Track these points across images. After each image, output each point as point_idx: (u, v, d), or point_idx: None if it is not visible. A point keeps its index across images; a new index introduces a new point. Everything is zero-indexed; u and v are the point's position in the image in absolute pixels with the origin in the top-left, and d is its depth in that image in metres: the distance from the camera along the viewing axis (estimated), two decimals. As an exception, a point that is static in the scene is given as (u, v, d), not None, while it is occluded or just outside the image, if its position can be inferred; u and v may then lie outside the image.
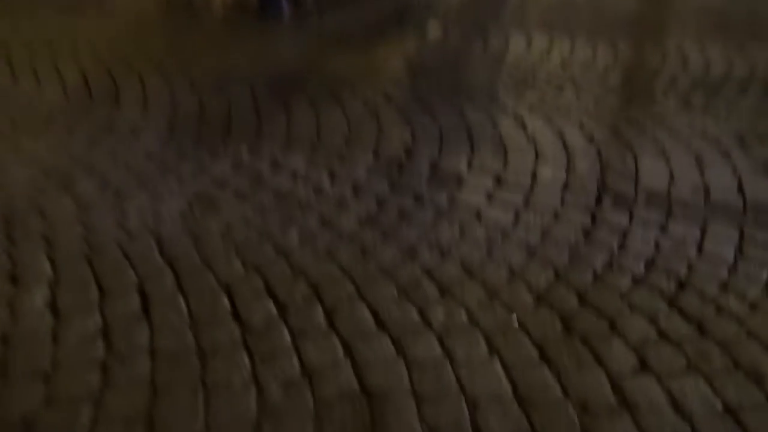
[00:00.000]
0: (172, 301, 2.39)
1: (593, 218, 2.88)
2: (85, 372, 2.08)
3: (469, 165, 3.32)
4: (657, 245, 2.69)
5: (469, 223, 2.84)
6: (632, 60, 4.82)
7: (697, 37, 5.07)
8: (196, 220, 2.86)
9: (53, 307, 2.36)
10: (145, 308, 2.36)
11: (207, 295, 2.43)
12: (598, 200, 3.01)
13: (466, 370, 2.07)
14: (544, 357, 2.12)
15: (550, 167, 3.29)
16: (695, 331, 2.23)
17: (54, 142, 3.57)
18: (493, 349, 2.16)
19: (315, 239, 2.74)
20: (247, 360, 2.12)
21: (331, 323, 2.28)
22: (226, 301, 2.39)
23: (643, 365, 2.08)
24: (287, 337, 2.21)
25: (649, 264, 2.57)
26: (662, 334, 2.21)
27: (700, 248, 2.67)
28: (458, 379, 2.03)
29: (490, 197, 3.04)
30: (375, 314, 2.32)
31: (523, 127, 3.71)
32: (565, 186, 3.13)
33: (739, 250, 2.65)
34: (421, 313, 2.32)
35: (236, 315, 2.32)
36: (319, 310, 2.34)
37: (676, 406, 1.93)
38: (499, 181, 3.17)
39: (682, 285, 2.45)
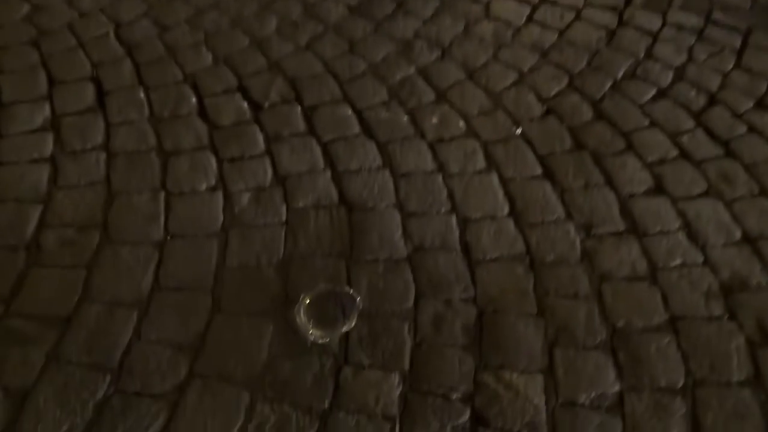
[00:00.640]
0: (131, 94, 2.10)
1: (620, 19, 2.49)
2: (33, 170, 1.85)
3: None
4: (690, 54, 2.33)
5: (475, 17, 2.45)
6: None
7: None
8: (161, 3, 2.46)
9: (-5, 96, 2.08)
10: (100, 101, 2.07)
11: (171, 88, 2.12)
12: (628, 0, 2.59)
13: (459, 183, 1.85)
14: (548, 173, 1.89)
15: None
16: (721, 151, 1.97)
17: None
18: (491, 161, 1.92)
19: (296, 30, 2.36)
20: (214, 163, 1.89)
21: (311, 126, 2.01)
22: (192, 96, 2.10)
23: (658, 187, 1.86)
24: (260, 140, 1.96)
25: (678, 75, 2.24)
26: (684, 154, 1.96)
27: (738, 59, 2.32)
28: (450, 193, 1.82)
29: (502, -11, 2.61)
30: (360, 118, 2.04)
31: None
32: (591, -20, 2.68)
33: (783, 62, 2.32)
34: (413, 118, 2.04)
35: (203, 113, 2.04)
36: (298, 110, 2.06)
37: (690, 232, 1.74)
38: (514, -30, 2.72)
39: (712, 99, 2.15)
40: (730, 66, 2.29)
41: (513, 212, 1.78)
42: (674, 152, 1.96)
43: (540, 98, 2.13)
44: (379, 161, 1.90)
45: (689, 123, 2.06)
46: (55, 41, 2.28)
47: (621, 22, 2.47)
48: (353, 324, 1.50)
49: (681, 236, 1.73)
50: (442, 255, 1.67)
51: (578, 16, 2.49)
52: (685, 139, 2.00)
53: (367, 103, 2.08)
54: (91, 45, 2.27)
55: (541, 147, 1.96)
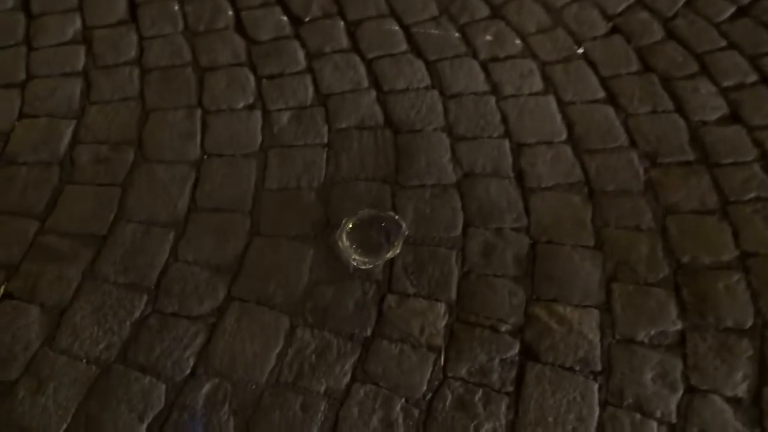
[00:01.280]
0: (164, 6, 1.98)
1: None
2: (65, 84, 1.78)
3: None
4: (773, -32, 2.10)
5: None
6: None
7: None
8: None
9: (26, 7, 1.99)
10: (132, 13, 1.97)
11: (206, 1, 2.00)
12: None
13: (513, 106, 1.71)
14: (611, 97, 1.74)
15: None
16: (805, 76, 1.79)
17: None
18: (549, 83, 1.77)
19: (339, -61, 2.20)
20: (252, 80, 1.78)
21: (354, 42, 1.88)
22: (229, 9, 1.98)
23: (734, 114, 1.69)
24: (300, 57, 1.84)
25: (759, -9, 2.03)
26: (764, 78, 1.78)
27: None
28: (503, 116, 1.69)
29: None
30: (408, 34, 1.90)
31: None
32: None
33: None
34: (465, 35, 1.89)
35: (240, 27, 1.93)
36: (341, 25, 1.92)
37: (767, 164, 1.59)
38: None
39: (798, 19, 1.94)
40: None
41: (571, 138, 1.65)
42: (753, 77, 1.78)
43: (605, 15, 1.95)
44: (427, 81, 1.77)
45: (771, 44, 1.87)
46: (86, -50, 2.16)
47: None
48: (398, 251, 1.42)
49: (756, 168, 1.58)
50: (494, 182, 1.56)
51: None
52: (766, 62, 1.81)
53: (415, 18, 1.94)
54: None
55: (604, 68, 1.80)
